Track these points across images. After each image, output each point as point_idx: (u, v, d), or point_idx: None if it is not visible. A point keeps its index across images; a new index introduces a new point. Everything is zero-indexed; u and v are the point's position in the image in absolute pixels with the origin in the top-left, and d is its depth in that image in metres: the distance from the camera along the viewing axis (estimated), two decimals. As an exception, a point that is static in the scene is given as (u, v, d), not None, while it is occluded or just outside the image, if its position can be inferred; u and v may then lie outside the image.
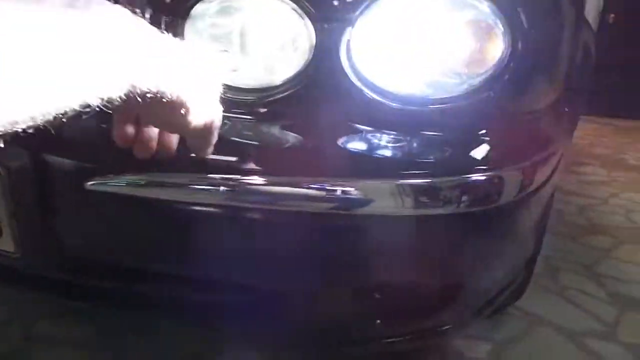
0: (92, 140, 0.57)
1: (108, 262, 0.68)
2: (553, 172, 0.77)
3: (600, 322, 1.25)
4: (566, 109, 0.79)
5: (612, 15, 5.70)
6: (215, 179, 0.56)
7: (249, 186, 0.57)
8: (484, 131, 0.61)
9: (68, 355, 0.98)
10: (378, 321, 0.69)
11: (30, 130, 0.26)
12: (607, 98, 4.50)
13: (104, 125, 0.51)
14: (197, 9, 0.60)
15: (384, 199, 0.57)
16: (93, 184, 0.58)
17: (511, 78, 0.60)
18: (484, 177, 0.60)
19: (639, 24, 5.51)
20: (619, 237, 1.78)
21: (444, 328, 0.75)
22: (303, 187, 0.56)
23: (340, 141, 0.59)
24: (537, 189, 0.69)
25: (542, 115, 0.71)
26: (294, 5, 0.58)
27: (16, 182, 0.61)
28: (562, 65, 0.74)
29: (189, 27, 0.60)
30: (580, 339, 1.18)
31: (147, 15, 0.62)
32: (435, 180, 0.58)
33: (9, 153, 0.60)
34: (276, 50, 0.61)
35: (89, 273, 0.69)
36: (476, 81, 0.60)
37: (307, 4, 0.58)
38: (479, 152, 0.60)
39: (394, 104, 0.60)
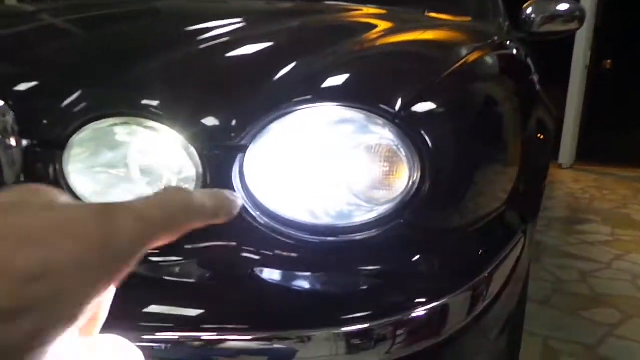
0: None
1: None
2: (510, 275, 0.67)
3: None
4: (505, 211, 0.70)
5: (609, 62, 5.79)
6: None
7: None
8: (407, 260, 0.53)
9: None
10: None
11: None
12: (605, 146, 4.46)
13: None
14: (75, 138, 0.54)
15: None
16: None
17: (425, 201, 0.53)
18: (422, 312, 0.50)
19: (636, 69, 5.58)
20: (626, 310, 1.63)
21: None
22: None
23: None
24: (489, 306, 0.58)
25: (473, 230, 0.62)
26: (178, 137, 0.54)
27: None
28: (483, 178, 0.66)
29: (66, 157, 0.54)
30: None
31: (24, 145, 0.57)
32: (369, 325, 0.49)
33: None
34: (161, 180, 0.54)
35: None
36: (385, 208, 0.53)
37: (190, 135, 0.53)
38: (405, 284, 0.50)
39: (303, 236, 0.53)
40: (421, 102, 0.56)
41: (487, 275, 0.57)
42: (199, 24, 0.77)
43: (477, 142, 0.62)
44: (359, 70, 0.61)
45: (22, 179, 0.57)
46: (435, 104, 0.57)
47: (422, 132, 0.54)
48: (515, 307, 0.76)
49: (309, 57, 0.61)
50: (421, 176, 0.54)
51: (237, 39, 0.69)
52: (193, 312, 0.51)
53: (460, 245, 0.60)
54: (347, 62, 0.62)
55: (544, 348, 1.42)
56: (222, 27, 0.74)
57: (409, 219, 0.54)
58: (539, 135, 0.90)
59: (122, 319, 0.44)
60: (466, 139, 0.60)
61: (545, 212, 2.76)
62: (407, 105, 0.54)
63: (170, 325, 0.50)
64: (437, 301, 0.51)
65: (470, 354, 0.60)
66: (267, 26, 0.78)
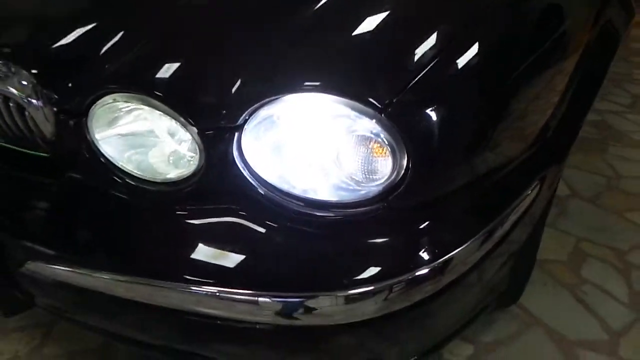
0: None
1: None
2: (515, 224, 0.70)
3: (605, 331, 1.18)
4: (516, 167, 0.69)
5: None
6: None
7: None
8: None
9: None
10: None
11: None
12: None
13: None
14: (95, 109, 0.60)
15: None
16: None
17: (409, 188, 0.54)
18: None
19: None
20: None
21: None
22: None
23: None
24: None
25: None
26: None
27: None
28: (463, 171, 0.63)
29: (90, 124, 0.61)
30: (575, 350, 1.13)
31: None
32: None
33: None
34: (166, 154, 0.60)
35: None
36: (373, 190, 0.55)
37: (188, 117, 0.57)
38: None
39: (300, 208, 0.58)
40: (407, 95, 0.53)
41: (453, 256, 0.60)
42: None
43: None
44: (349, 60, 0.57)
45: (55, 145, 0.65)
46: (422, 96, 0.54)
47: (408, 122, 0.53)
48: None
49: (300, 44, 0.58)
50: (406, 164, 0.55)
51: (230, 28, 0.65)
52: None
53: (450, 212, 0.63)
54: (337, 50, 0.58)
55: (574, 249, 1.45)
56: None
57: (394, 201, 0.57)
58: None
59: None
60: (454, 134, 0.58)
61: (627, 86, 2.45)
62: (393, 99, 0.52)
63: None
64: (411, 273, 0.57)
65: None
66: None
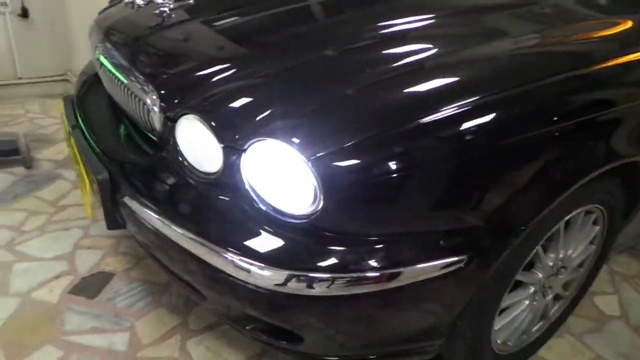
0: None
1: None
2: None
3: None
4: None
5: None
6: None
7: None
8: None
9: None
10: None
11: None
12: None
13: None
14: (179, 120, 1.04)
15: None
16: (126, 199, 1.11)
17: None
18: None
19: None
20: None
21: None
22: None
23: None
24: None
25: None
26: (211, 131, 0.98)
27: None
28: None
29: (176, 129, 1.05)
30: None
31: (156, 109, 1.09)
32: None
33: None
34: (203, 154, 1.01)
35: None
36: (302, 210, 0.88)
37: (216, 131, 0.98)
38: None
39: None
40: (334, 155, 0.85)
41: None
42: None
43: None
44: (308, 123, 0.90)
45: (160, 135, 1.12)
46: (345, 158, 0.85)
47: (328, 173, 0.84)
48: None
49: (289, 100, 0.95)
50: (323, 200, 0.85)
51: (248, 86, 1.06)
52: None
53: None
54: (306, 115, 0.92)
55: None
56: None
57: (314, 222, 0.88)
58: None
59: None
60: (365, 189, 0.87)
61: None
62: (321, 154, 0.84)
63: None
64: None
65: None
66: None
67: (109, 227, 1.25)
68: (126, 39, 1.44)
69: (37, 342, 1.38)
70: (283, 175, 0.91)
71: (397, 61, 1.06)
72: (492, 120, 0.94)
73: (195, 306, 1.54)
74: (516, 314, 1.29)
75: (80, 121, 1.41)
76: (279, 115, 0.94)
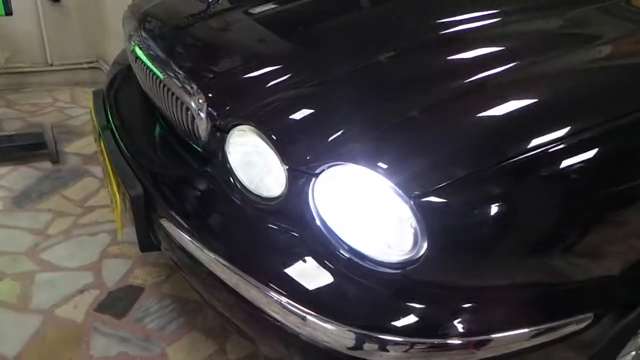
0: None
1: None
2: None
3: None
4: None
5: None
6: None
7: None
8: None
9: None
10: None
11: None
12: None
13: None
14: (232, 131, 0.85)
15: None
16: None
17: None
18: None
19: None
20: None
21: None
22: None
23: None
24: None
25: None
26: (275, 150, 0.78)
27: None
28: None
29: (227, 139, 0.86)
30: None
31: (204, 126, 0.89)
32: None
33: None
34: (261, 174, 0.81)
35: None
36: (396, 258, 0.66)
37: (280, 149, 0.78)
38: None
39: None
40: (438, 192, 0.63)
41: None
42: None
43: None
44: (400, 144, 0.69)
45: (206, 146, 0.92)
46: (450, 197, 0.63)
47: (435, 213, 0.63)
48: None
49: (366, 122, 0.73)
50: (426, 245, 0.64)
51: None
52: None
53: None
54: (400, 144, 0.70)
55: None
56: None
57: (409, 272, 0.68)
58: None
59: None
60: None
61: None
62: (425, 192, 0.63)
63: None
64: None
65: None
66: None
67: (142, 250, 1.07)
68: (165, 28, 1.24)
69: (59, 369, 1.23)
70: (370, 211, 0.70)
71: (494, 64, 0.84)
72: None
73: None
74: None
75: (111, 121, 1.24)
76: (359, 133, 0.74)
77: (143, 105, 1.29)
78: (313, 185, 0.75)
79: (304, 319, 0.74)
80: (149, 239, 1.05)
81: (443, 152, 0.68)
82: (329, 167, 0.72)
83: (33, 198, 1.87)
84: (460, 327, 0.70)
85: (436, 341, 0.70)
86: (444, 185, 0.64)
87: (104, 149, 1.17)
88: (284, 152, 0.77)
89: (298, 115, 0.80)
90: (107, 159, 1.13)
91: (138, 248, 1.09)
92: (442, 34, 0.97)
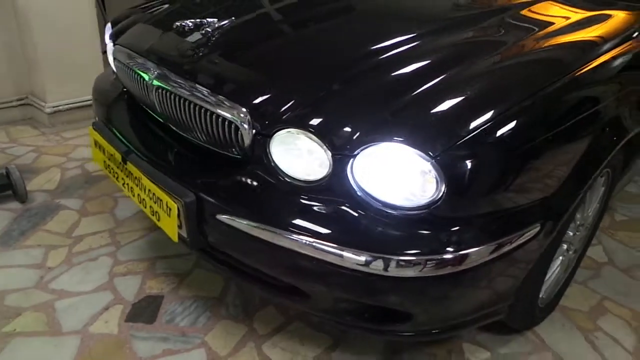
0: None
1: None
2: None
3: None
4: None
5: None
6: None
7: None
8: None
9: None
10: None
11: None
12: None
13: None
14: (276, 134, 1.12)
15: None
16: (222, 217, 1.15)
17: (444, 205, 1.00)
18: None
19: None
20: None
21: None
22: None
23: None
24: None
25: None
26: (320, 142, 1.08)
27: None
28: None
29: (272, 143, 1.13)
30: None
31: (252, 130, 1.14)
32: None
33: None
34: (310, 163, 1.10)
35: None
36: (422, 201, 1.02)
37: (325, 142, 1.07)
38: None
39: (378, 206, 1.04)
40: (453, 150, 0.99)
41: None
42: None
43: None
44: (424, 126, 1.03)
45: (248, 152, 1.17)
46: (463, 152, 0.99)
47: (450, 167, 0.97)
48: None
49: (390, 102, 1.07)
50: (444, 190, 0.99)
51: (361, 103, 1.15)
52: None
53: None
54: (419, 119, 1.05)
55: (596, 304, 1.71)
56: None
57: (434, 210, 1.02)
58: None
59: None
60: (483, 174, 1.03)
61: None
62: (443, 151, 0.98)
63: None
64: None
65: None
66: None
67: (192, 248, 1.27)
68: (183, 57, 1.39)
69: (116, 374, 1.36)
70: (399, 173, 1.02)
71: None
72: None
73: (256, 312, 1.59)
74: (554, 269, 1.52)
75: (131, 146, 1.40)
76: (388, 114, 1.06)
77: (144, 124, 1.47)
78: (352, 164, 1.04)
79: (369, 263, 1.02)
80: (199, 238, 1.25)
81: (448, 117, 1.05)
82: (364, 149, 1.03)
83: (16, 237, 1.88)
84: (452, 246, 1.03)
85: (444, 256, 1.04)
86: (451, 146, 0.98)
87: (135, 171, 1.33)
88: (329, 143, 1.06)
89: (332, 114, 1.10)
90: (144, 178, 1.30)
91: (189, 247, 1.28)
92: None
